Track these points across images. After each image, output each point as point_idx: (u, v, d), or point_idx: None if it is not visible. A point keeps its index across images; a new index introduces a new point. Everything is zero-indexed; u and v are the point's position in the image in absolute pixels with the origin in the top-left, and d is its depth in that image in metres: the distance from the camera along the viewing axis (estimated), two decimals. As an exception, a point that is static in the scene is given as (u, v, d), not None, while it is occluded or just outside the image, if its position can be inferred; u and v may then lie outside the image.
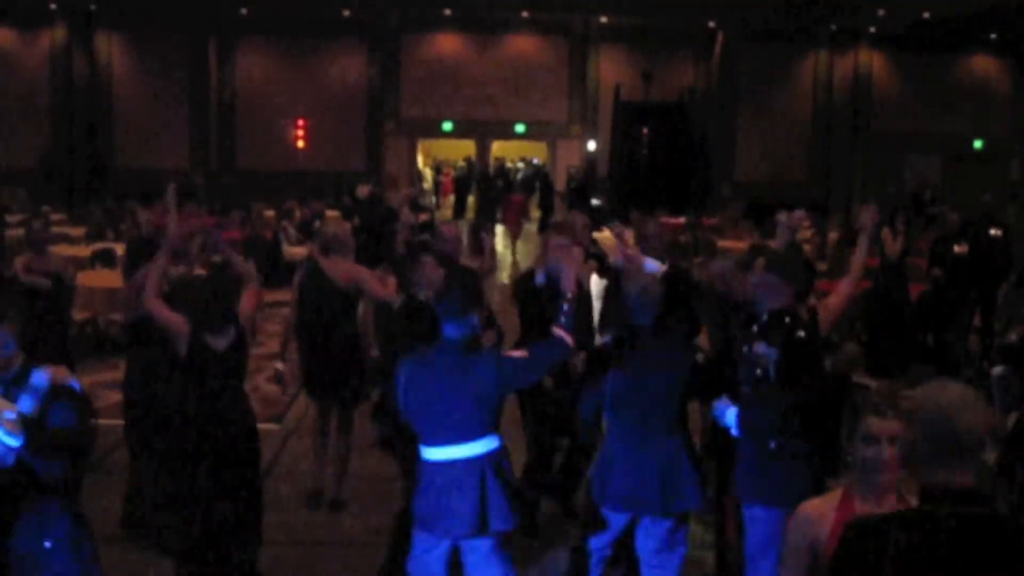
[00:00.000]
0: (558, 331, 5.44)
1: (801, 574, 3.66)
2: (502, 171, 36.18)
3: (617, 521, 5.96)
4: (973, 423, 2.96)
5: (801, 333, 5.54)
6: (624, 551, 6.23)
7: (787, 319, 5.56)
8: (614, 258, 6.73)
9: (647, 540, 5.97)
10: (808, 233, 21.36)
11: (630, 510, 5.89)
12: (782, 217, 7.40)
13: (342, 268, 8.36)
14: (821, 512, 3.67)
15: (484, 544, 5.43)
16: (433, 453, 5.42)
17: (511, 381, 5.48)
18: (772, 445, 5.50)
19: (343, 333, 8.26)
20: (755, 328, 5.67)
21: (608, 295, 8.47)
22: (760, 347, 5.56)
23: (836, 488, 3.80)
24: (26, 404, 4.40)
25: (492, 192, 30.85)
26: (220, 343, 6.30)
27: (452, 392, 5.31)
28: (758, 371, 5.56)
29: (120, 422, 7.98)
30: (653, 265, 6.85)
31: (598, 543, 6.07)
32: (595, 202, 29.86)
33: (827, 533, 3.58)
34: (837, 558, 3.06)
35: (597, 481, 5.98)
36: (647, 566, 6.03)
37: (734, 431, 5.79)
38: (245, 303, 6.61)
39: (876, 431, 3.61)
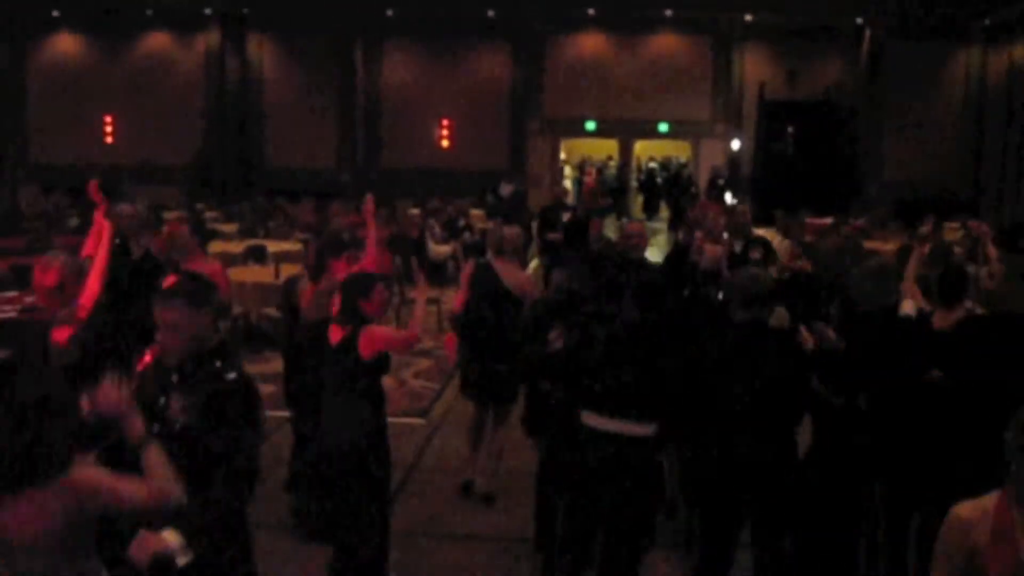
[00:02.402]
0: None
1: (954, 572, 3.59)
2: (649, 172, 36.11)
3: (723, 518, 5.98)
4: None
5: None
6: None
7: None
8: None
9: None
10: (958, 235, 20.87)
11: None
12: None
13: (513, 273, 8.60)
14: (977, 517, 3.57)
15: None
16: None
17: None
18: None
19: (507, 332, 8.35)
20: None
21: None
22: None
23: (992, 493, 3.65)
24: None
25: (686, 198, 30.16)
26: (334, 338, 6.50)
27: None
28: None
29: (282, 413, 8.28)
30: None
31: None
32: (731, 200, 29.59)
33: (985, 539, 3.50)
34: None
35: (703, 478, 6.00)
36: None
37: None
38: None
39: None
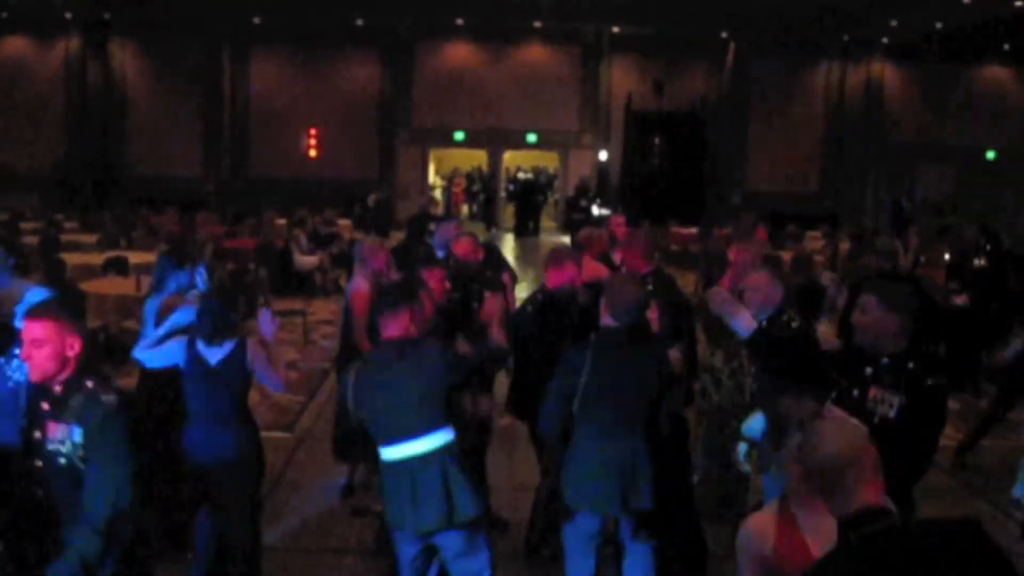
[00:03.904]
0: (497, 335, 5.90)
1: None
2: (516, 182, 36.12)
3: (592, 523, 6.02)
4: (838, 453, 3.13)
5: (930, 381, 5.00)
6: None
7: (911, 364, 5.06)
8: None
9: (625, 533, 6.15)
10: (820, 244, 21.35)
11: (598, 510, 5.96)
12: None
13: (354, 287, 8.51)
14: (764, 525, 3.77)
15: (458, 536, 5.57)
16: (393, 452, 5.55)
17: (455, 373, 5.61)
18: None
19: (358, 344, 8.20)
20: (870, 371, 5.15)
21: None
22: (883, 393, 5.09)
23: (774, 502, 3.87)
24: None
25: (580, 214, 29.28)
26: (214, 356, 6.20)
27: (402, 388, 5.48)
28: (875, 419, 4.96)
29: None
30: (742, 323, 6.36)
31: (576, 545, 6.11)
32: (598, 211, 29.83)
33: (771, 546, 3.69)
34: None
35: (572, 484, 5.97)
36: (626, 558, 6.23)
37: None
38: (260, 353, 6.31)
39: None
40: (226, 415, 6.19)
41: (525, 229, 33.34)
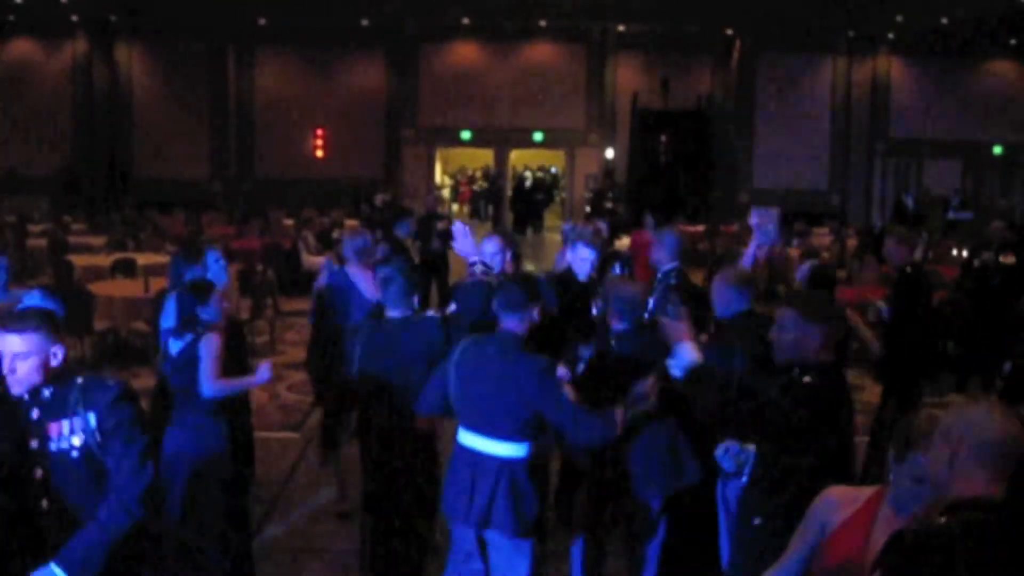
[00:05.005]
0: (617, 413, 5.51)
1: (804, 546, 3.69)
2: (521, 182, 36.05)
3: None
4: (1014, 434, 2.95)
5: (806, 379, 4.67)
6: None
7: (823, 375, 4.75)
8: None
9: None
10: (827, 241, 21.34)
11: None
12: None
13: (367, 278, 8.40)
14: (844, 500, 3.66)
15: (501, 540, 5.56)
16: (467, 438, 5.56)
17: (548, 407, 5.41)
18: (755, 522, 4.82)
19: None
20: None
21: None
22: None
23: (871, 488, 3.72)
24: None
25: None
26: (175, 347, 6.22)
27: (497, 387, 5.43)
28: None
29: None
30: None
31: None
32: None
33: (839, 521, 3.60)
34: (886, 567, 2.98)
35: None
36: None
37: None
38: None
39: (927, 473, 3.45)
40: (181, 407, 6.20)
41: (530, 228, 33.29)
